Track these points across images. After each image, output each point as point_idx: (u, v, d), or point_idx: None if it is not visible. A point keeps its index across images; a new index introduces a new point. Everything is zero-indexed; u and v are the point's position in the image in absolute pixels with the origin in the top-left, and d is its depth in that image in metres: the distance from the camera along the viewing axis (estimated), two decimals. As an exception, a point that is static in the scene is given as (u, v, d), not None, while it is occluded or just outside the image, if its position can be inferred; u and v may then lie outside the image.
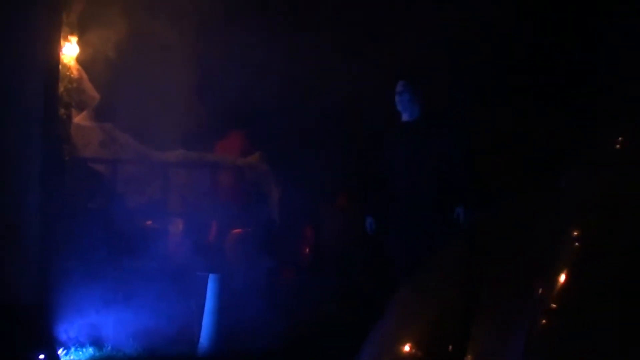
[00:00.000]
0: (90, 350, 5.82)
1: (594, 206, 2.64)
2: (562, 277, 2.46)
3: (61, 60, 6.36)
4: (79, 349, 5.81)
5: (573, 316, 2.40)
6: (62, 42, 6.35)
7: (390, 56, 7.86)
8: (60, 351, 5.54)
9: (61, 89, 6.40)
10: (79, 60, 7.32)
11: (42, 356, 5.22)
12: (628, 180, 2.66)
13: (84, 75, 7.54)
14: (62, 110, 6.51)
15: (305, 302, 7.32)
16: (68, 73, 6.93)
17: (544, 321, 2.41)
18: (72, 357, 5.65)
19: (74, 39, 7.01)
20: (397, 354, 2.68)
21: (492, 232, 2.98)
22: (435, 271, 2.95)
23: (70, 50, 6.97)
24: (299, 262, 8.36)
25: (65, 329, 5.75)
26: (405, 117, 6.04)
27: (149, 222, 7.17)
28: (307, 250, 8.45)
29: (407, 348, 2.68)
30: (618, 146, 2.75)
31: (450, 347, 2.59)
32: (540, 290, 2.47)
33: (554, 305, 2.42)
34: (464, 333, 2.60)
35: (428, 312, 2.75)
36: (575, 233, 2.56)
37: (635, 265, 2.46)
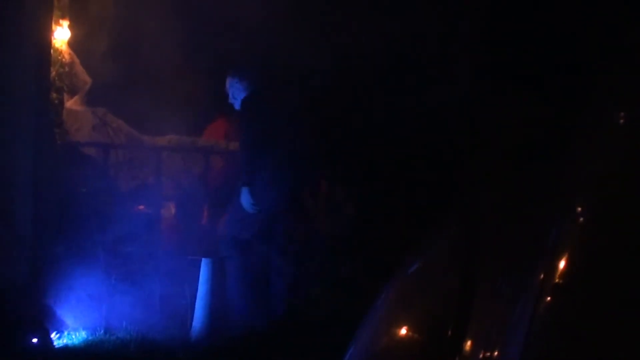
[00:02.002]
0: (83, 334, 5.83)
1: (598, 181, 2.57)
2: (566, 255, 2.42)
3: (53, 44, 6.35)
4: (71, 332, 5.82)
5: (579, 293, 2.35)
6: (53, 25, 6.33)
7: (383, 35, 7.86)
8: (53, 335, 5.56)
9: (53, 73, 6.39)
10: (70, 44, 7.29)
11: (34, 339, 5.24)
12: (633, 155, 2.61)
13: (76, 60, 7.51)
14: (54, 95, 6.50)
15: (295, 287, 7.35)
16: (60, 57, 6.91)
17: (548, 298, 2.37)
18: (64, 341, 5.66)
19: (65, 23, 6.98)
20: (393, 337, 2.66)
21: (490, 213, 2.95)
22: (432, 253, 2.92)
23: (62, 34, 6.94)
24: (288, 247, 8.36)
25: (58, 313, 5.76)
26: None
27: (142, 207, 7.17)
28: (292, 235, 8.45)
29: (404, 331, 2.66)
30: (622, 121, 2.71)
31: (449, 331, 2.56)
32: (544, 271, 2.42)
33: (558, 281, 2.37)
34: (463, 317, 2.57)
35: (425, 295, 2.72)
36: (578, 209, 2.52)
37: None
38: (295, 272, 6.66)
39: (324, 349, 5.26)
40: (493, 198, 3.04)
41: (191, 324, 6.03)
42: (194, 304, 6.08)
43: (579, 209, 2.55)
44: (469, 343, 2.53)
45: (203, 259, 6.11)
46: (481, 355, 2.49)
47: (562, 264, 2.46)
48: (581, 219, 2.54)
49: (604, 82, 3.04)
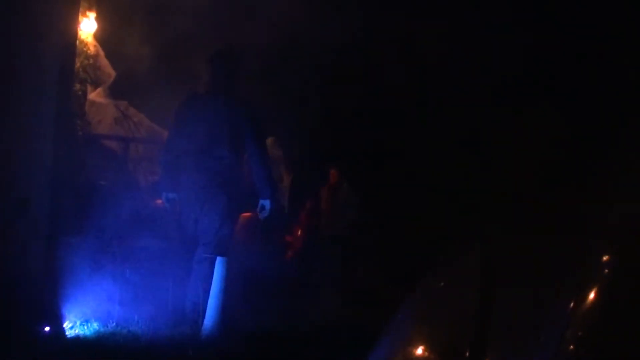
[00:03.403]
0: (95, 326, 5.84)
1: (629, 230, 2.54)
2: (596, 287, 2.38)
3: (78, 36, 6.37)
4: (83, 324, 5.83)
5: (602, 346, 2.31)
6: (80, 17, 6.36)
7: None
8: (65, 325, 5.57)
9: (77, 64, 6.42)
10: (96, 36, 7.33)
11: (47, 328, 5.26)
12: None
13: (101, 52, 7.57)
14: (77, 86, 6.54)
15: (307, 288, 7.35)
16: (85, 49, 6.96)
17: (571, 347, 2.34)
18: (76, 332, 5.68)
19: (92, 15, 7.03)
20: (409, 356, 2.63)
21: (513, 239, 2.90)
22: (452, 272, 2.88)
23: (88, 27, 6.98)
24: (297, 246, 8.36)
25: (71, 304, 5.78)
26: None
27: (159, 201, 7.19)
28: (300, 233, 8.43)
29: (419, 351, 2.63)
30: None
31: (467, 352, 2.53)
32: (573, 300, 2.38)
33: (580, 334, 2.34)
34: (482, 340, 2.53)
35: (443, 315, 2.68)
36: (605, 257, 2.47)
37: None
38: (303, 275, 6.59)
39: (333, 354, 5.25)
40: (517, 218, 3.00)
41: (202, 322, 6.02)
42: (206, 302, 6.07)
43: (606, 257, 2.50)
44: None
45: (218, 258, 6.10)
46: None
47: (591, 295, 2.42)
48: (608, 256, 2.49)
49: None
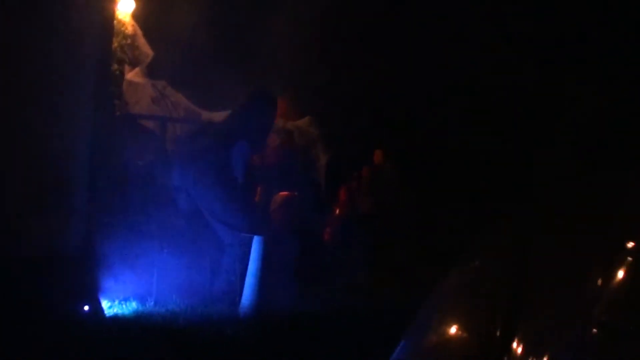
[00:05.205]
0: (134, 305, 5.90)
1: None
2: (625, 267, 2.35)
3: (116, 16, 6.38)
4: (122, 302, 5.89)
5: (636, 304, 2.29)
6: (117, -3, 6.37)
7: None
8: (104, 304, 5.63)
9: (115, 44, 6.43)
10: (134, 16, 7.34)
11: (86, 307, 5.31)
12: None
13: (139, 32, 7.56)
14: (115, 66, 6.55)
15: (343, 268, 7.36)
16: (123, 29, 6.97)
17: (594, 330, 2.32)
18: (115, 310, 5.74)
19: (129, -5, 7.03)
20: (443, 336, 2.64)
21: (544, 218, 2.87)
22: (484, 255, 2.87)
23: (125, 6, 6.99)
24: (335, 226, 8.35)
25: (109, 283, 5.83)
26: None
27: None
28: (338, 212, 8.43)
29: (453, 330, 2.64)
30: None
31: (498, 331, 2.53)
32: (601, 279, 2.36)
33: (603, 319, 2.32)
34: (513, 319, 2.53)
35: (478, 296, 2.69)
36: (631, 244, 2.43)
37: None
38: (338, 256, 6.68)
39: (368, 332, 5.23)
40: (554, 200, 2.95)
41: (240, 301, 6.04)
42: (244, 281, 6.09)
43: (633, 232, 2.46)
44: (518, 345, 2.49)
45: (255, 237, 6.11)
46: (530, 358, 2.44)
47: (620, 274, 2.39)
48: (634, 243, 2.45)
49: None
